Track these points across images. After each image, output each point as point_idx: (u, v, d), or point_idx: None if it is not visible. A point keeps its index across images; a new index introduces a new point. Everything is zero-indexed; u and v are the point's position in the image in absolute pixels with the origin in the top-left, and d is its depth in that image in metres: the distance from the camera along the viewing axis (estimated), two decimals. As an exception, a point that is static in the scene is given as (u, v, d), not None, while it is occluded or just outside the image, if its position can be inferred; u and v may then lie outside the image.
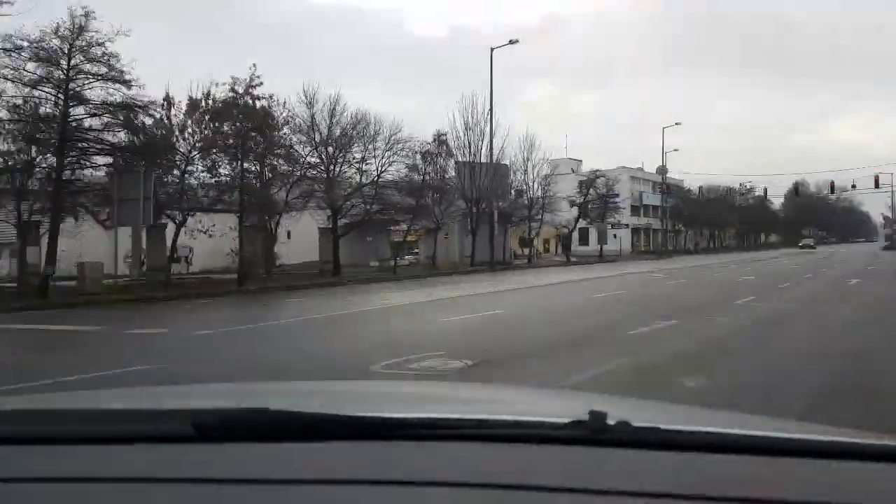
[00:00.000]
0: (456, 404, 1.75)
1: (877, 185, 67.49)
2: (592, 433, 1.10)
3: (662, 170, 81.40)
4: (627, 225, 74.24)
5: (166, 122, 23.21)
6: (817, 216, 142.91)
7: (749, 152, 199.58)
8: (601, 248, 54.88)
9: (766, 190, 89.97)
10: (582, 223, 57.11)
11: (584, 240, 68.15)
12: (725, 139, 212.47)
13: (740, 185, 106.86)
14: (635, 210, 78.06)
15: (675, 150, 75.75)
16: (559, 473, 1.03)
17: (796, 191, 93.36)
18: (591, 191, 52.21)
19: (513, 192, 46.28)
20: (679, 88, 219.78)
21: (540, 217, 46.49)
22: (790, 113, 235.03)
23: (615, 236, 68.00)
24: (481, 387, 3.37)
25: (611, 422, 1.10)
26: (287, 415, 1.21)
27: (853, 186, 72.43)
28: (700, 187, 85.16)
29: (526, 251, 49.61)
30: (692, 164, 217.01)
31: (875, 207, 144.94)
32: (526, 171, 45.08)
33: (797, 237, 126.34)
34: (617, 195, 57.85)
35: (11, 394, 4.97)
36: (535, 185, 45.54)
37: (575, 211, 51.94)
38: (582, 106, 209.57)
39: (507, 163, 43.85)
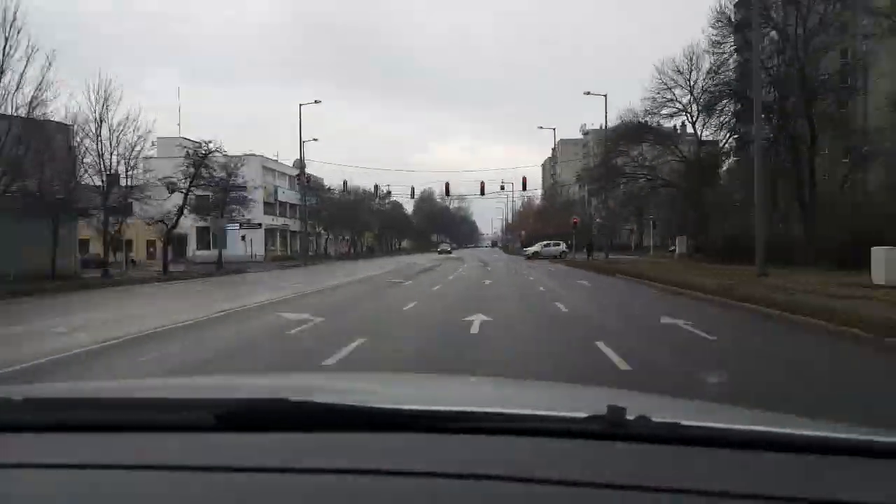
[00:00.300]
0: (475, 398, 1.75)
1: (482, 192, 67.76)
2: (611, 427, 1.10)
3: (300, 163, 71.16)
4: (260, 225, 61.87)
5: None
6: (442, 223, 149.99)
7: (381, 163, 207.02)
8: (220, 254, 41.55)
9: (413, 189, 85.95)
10: (199, 220, 43.18)
11: (205, 243, 53.92)
12: (360, 148, 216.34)
13: (376, 186, 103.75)
14: (270, 208, 65.78)
15: (315, 139, 66.00)
16: (578, 468, 1.04)
17: (412, 193, 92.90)
18: (204, 172, 37.92)
19: (85, 170, 30.21)
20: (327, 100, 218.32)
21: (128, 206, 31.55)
22: (415, 131, 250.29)
23: (244, 238, 55.06)
24: (498, 381, 3.18)
25: (630, 417, 1.10)
26: (310, 405, 1.21)
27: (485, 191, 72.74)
28: (345, 183, 76.87)
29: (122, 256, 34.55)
30: (331, 174, 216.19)
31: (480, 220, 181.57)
32: (100, 135, 29.58)
33: (427, 243, 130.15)
34: (244, 186, 44.99)
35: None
36: (115, 159, 30.25)
37: (180, 199, 37.15)
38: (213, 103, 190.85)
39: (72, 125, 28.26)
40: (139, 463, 1.09)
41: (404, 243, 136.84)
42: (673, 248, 51.40)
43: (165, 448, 1.15)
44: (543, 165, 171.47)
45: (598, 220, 61.23)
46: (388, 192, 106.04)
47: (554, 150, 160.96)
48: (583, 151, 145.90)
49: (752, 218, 23.86)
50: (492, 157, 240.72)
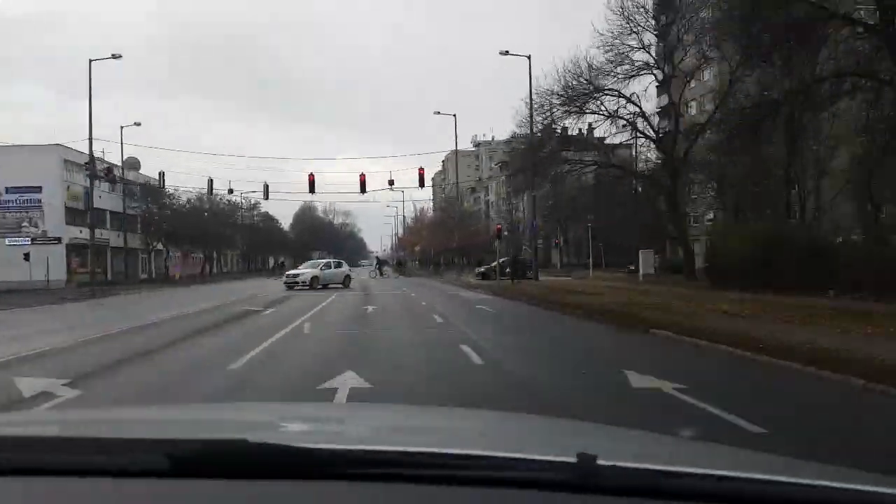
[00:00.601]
0: (436, 434, 1.67)
1: (363, 190, 55.17)
2: (580, 478, 0.99)
3: (131, 163, 55.15)
4: (58, 239, 45.19)
5: None
6: (325, 238, 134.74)
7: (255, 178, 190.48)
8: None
9: (266, 186, 71.36)
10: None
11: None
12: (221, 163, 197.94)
13: (242, 197, 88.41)
14: (80, 217, 48.68)
15: (137, 123, 50.27)
16: None
17: (264, 192, 78.68)
18: None
19: None
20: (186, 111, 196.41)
21: None
22: (299, 147, 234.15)
23: (26, 258, 38.63)
24: (465, 413, 2.88)
25: (602, 463, 1.00)
26: (266, 448, 1.14)
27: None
28: (161, 176, 61.17)
29: None
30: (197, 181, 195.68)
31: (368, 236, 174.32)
32: None
33: (307, 259, 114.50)
34: (37, 188, 29.43)
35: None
36: None
37: None
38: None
39: None
40: None
41: (280, 258, 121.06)
42: (632, 267, 37.85)
43: (113, 497, 1.04)
44: (433, 179, 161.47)
45: (529, 227, 45.97)
46: (257, 204, 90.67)
47: (444, 162, 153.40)
48: (475, 164, 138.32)
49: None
50: (379, 176, 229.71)
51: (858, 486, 1.03)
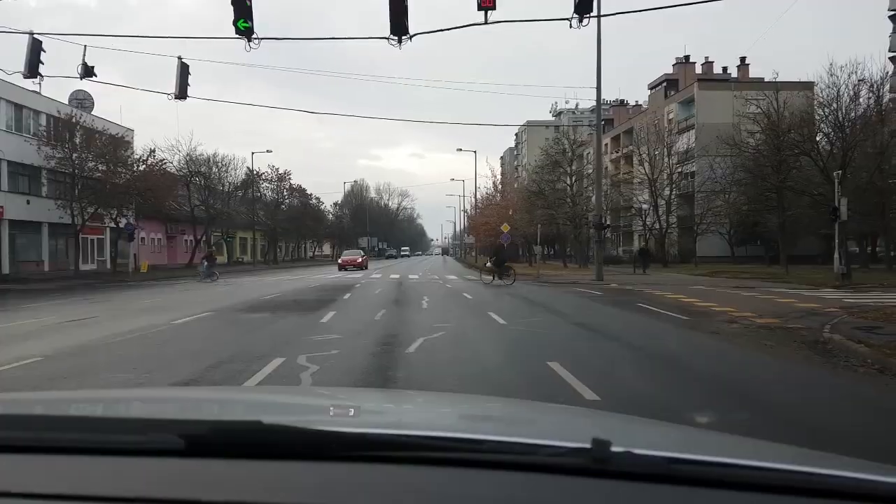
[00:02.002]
0: (454, 419, 1.68)
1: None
2: (594, 462, 1.00)
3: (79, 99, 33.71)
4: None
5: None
6: (379, 224, 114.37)
7: (322, 171, 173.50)
8: None
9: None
10: None
11: None
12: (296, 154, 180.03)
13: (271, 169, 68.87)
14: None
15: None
16: None
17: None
18: None
19: None
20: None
21: None
22: (358, 139, 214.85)
23: None
24: (480, 400, 2.81)
25: (616, 449, 1.01)
26: (282, 429, 1.15)
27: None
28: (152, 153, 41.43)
29: None
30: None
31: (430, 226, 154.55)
32: None
33: (353, 247, 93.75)
34: None
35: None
36: None
37: None
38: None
39: None
40: (97, 494, 0.97)
41: (325, 249, 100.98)
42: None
43: (130, 475, 1.03)
44: (503, 158, 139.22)
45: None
46: (287, 175, 70.16)
47: (518, 135, 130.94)
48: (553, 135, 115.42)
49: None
50: (442, 164, 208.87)
51: (872, 477, 1.02)
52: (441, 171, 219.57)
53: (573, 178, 45.06)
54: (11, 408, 1.56)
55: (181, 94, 16.59)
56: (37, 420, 1.32)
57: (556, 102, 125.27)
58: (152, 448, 1.08)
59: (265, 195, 68.53)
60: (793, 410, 5.83)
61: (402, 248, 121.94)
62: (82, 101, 41.55)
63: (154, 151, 42.01)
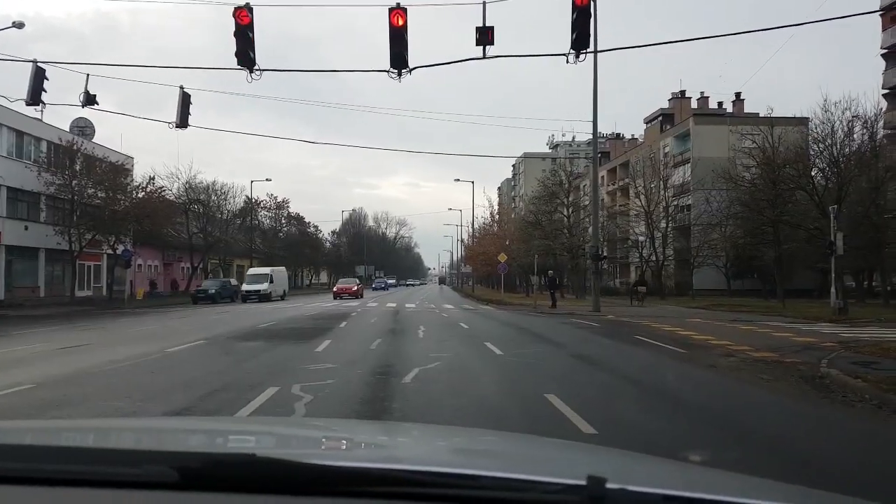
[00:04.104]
0: (449, 454, 1.65)
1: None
2: (590, 500, 1.00)
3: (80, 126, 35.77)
4: None
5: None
6: (375, 252, 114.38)
7: (319, 198, 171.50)
8: None
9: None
10: None
11: None
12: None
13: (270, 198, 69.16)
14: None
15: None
16: None
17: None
18: None
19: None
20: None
21: None
22: (353, 168, 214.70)
23: None
24: (475, 434, 2.68)
25: (611, 486, 1.01)
26: (277, 462, 1.12)
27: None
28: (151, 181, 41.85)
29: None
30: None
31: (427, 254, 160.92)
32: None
33: (351, 275, 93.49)
34: None
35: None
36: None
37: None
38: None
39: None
40: None
41: (323, 277, 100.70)
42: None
43: None
44: (500, 188, 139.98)
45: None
46: (285, 203, 70.48)
47: (515, 166, 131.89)
48: (550, 167, 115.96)
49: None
50: (438, 193, 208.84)
51: None
52: (437, 199, 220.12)
53: (570, 210, 45.25)
54: (2, 437, 1.52)
55: (182, 123, 16.68)
56: (28, 450, 1.30)
57: (552, 135, 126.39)
58: (146, 480, 1.06)
59: (263, 223, 68.66)
60: (790, 445, 5.79)
61: (409, 280, 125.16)
62: (83, 128, 41.84)
63: (153, 179, 42.22)
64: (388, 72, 11.34)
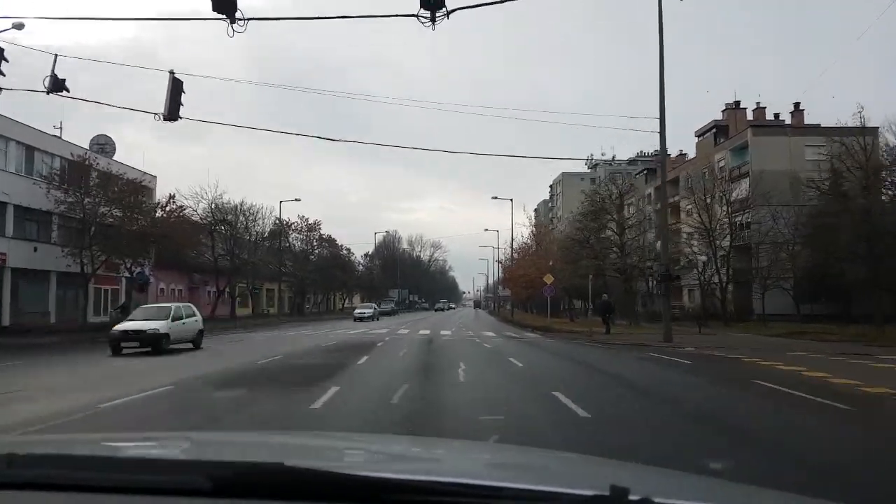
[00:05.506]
0: (478, 466, 1.70)
1: None
2: None
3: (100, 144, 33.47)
4: None
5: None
6: (411, 275, 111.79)
7: (351, 222, 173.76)
8: None
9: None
10: None
11: None
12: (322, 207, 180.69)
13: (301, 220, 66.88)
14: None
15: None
16: None
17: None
18: None
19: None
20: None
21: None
22: (385, 193, 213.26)
23: None
24: (497, 448, 2.99)
25: (634, 497, 1.03)
26: (308, 472, 1.18)
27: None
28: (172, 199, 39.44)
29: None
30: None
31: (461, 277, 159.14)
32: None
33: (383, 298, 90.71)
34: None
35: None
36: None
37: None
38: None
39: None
40: None
41: (356, 300, 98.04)
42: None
43: None
44: (537, 210, 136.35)
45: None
46: (317, 224, 68.12)
47: (552, 186, 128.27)
48: (590, 187, 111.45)
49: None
50: (471, 216, 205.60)
51: None
52: (470, 222, 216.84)
53: (620, 227, 41.54)
54: (51, 447, 1.66)
55: (171, 114, 13.81)
56: (74, 459, 1.36)
57: (591, 154, 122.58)
58: (182, 488, 1.11)
59: (294, 245, 66.28)
60: None
61: (448, 301, 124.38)
62: (103, 145, 39.89)
63: (174, 197, 39.83)
64: (417, 16, 8.19)
